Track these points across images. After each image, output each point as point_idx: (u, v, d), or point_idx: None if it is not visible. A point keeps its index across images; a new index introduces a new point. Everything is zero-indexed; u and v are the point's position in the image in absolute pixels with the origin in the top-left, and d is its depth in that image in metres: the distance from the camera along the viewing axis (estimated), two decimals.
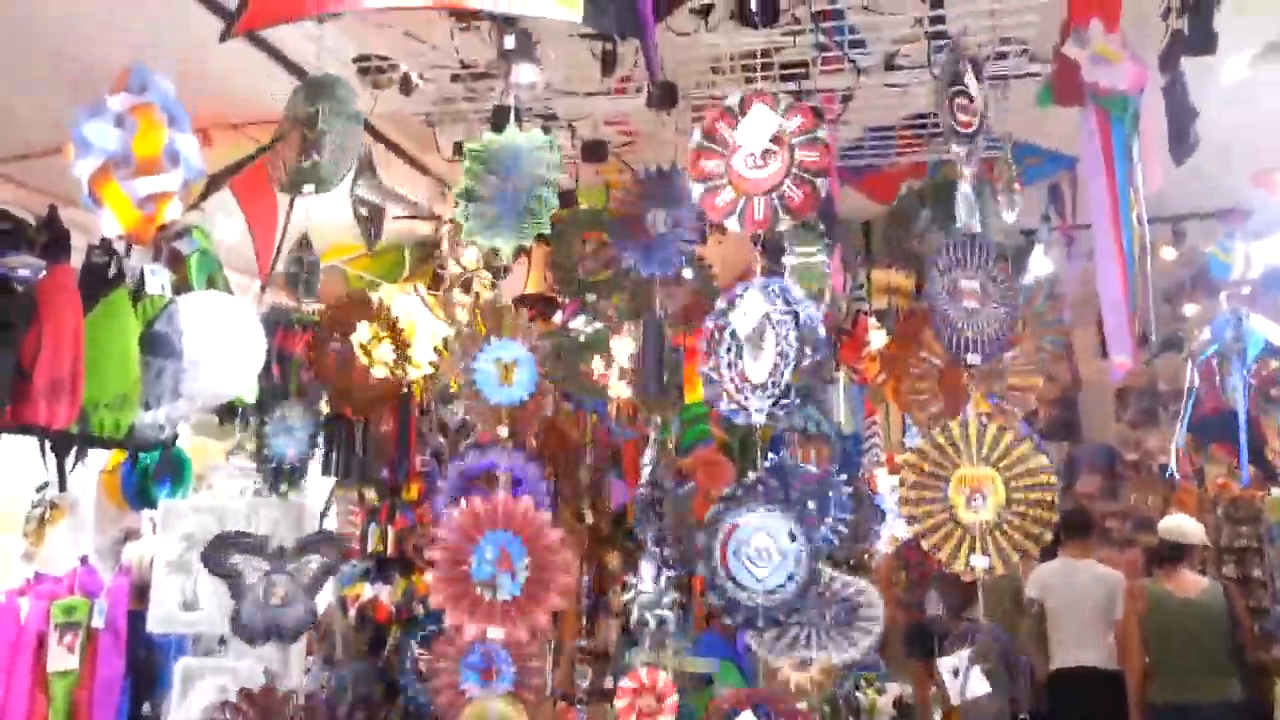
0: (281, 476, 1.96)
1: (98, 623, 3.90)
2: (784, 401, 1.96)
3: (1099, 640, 5.17)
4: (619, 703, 1.87)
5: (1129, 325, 2.27)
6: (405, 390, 5.32)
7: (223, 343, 4.09)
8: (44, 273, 3.63)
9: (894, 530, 8.25)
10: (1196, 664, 4.62)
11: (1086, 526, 5.54)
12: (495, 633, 1.88)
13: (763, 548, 1.76)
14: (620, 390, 3.09)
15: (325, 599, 5.89)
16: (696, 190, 2.21)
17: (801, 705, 1.86)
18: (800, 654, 1.83)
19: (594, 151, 3.65)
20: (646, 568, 1.90)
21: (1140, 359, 2.39)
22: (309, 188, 2.40)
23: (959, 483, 1.71)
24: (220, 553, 2.05)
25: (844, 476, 1.95)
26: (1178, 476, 6.19)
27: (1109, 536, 6.64)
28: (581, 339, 3.17)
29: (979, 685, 1.64)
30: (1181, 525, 4.91)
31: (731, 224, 2.14)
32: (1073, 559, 5.33)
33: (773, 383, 1.95)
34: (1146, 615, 4.75)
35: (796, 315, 1.98)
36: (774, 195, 2.05)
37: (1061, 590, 5.09)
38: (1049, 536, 1.70)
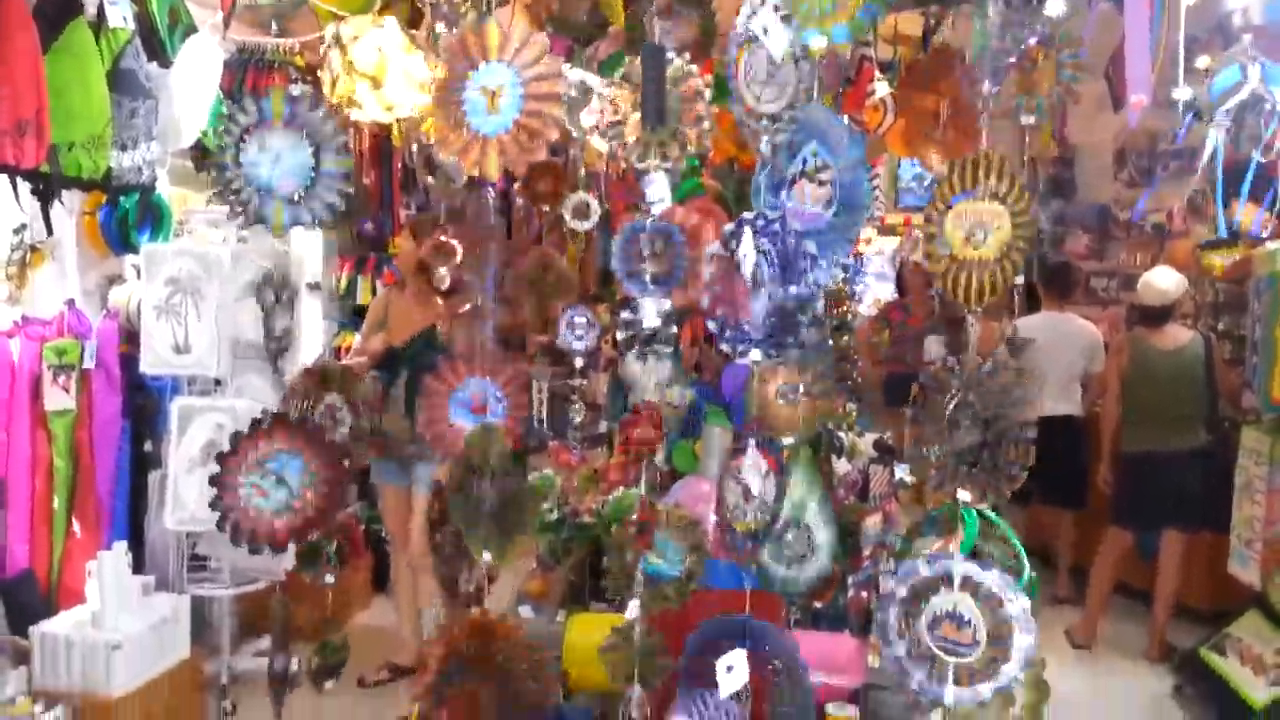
0: (270, 207, 1.86)
1: (90, 364, 3.94)
2: (779, 125, 1.89)
3: (1074, 391, 5.35)
4: (618, 438, 1.90)
5: (1151, 61, 2.14)
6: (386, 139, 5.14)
7: (191, 81, 3.90)
8: None
9: (877, 293, 8.38)
10: (1171, 413, 4.77)
11: (1069, 283, 5.59)
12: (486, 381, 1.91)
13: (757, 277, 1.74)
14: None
15: (317, 349, 5.99)
16: None
17: (791, 440, 1.90)
18: (790, 382, 1.84)
19: None
20: (647, 305, 1.88)
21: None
22: None
23: (957, 217, 1.67)
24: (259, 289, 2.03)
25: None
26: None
27: (1095, 295, 6.72)
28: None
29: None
30: (1160, 283, 4.85)
31: None
32: (1053, 313, 5.42)
33: (778, 114, 1.87)
34: (1129, 366, 4.85)
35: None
36: None
37: (1041, 343, 5.15)
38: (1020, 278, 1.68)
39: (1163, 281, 4.85)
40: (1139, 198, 6.62)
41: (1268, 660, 3.86)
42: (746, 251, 1.73)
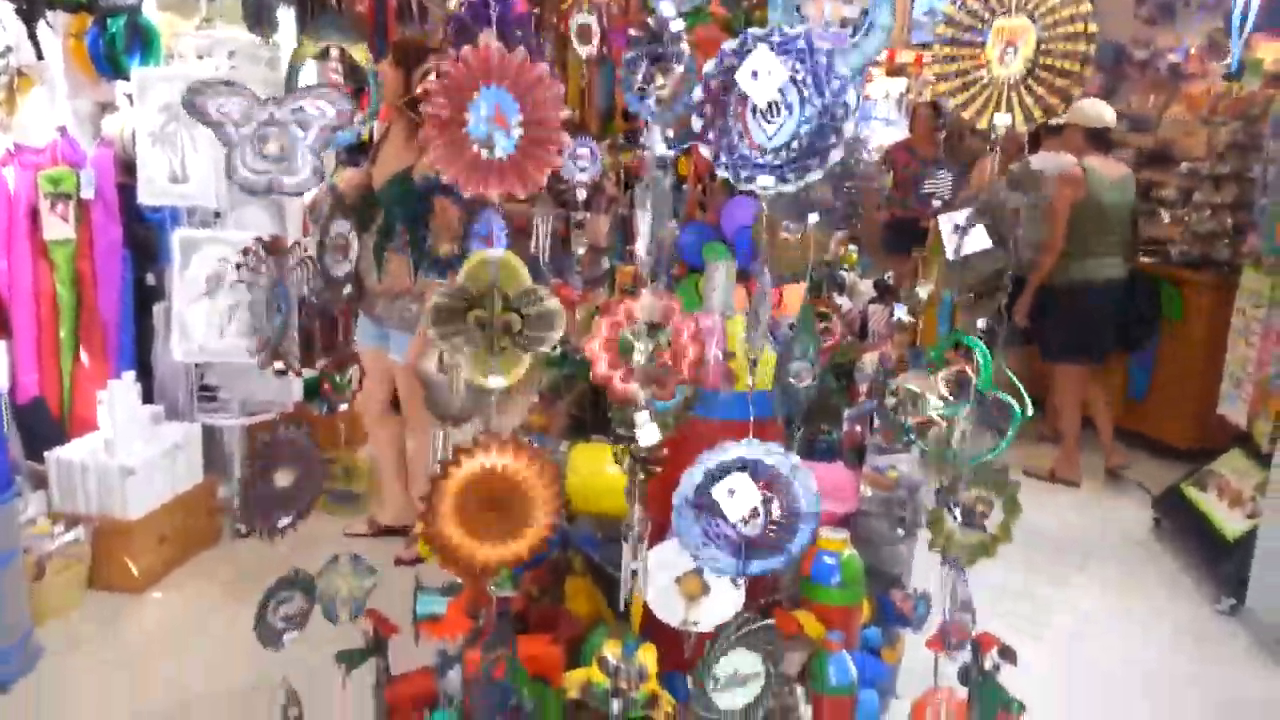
0: (265, 13, 1.78)
1: (87, 194, 3.90)
2: None
3: None
4: (624, 270, 1.90)
5: None
6: None
7: None
8: None
9: (882, 138, 8.20)
10: (1105, 245, 4.90)
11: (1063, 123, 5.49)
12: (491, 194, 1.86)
13: (773, 101, 1.69)
14: None
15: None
16: None
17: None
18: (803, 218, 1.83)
19: None
20: (652, 135, 1.84)
21: None
22: None
23: (997, 34, 1.61)
24: (201, 97, 1.78)
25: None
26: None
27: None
28: None
29: (979, 241, 1.66)
30: (1097, 105, 4.94)
31: None
32: (1051, 153, 5.33)
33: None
34: (1085, 198, 4.82)
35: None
36: None
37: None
38: (1077, 92, 1.62)
39: (1099, 104, 4.95)
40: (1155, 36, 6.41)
41: (1245, 494, 3.99)
42: (759, 70, 1.66)
